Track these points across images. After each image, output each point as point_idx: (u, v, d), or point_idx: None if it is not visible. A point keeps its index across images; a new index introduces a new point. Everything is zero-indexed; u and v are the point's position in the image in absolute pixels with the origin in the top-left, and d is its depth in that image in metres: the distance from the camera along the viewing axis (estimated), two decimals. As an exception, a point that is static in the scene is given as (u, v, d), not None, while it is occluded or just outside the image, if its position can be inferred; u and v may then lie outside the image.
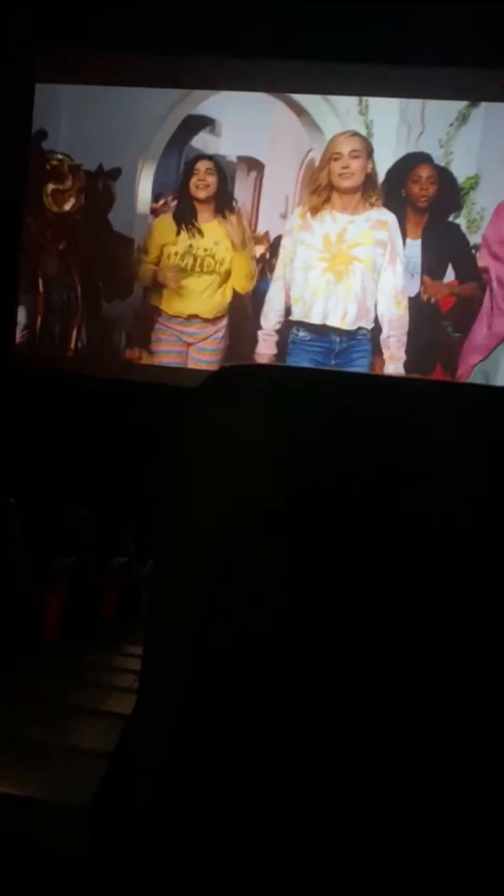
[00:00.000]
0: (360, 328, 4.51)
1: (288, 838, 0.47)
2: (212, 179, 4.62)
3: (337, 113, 4.49)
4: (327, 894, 0.46)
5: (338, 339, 4.51)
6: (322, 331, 4.53)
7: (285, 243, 4.55)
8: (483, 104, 4.30)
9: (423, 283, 4.45)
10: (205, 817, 0.49)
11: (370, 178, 4.45)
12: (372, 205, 4.46)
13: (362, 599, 0.46)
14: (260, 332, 4.61)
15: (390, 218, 4.45)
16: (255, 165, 4.68)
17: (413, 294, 4.47)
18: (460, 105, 4.33)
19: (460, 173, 4.38)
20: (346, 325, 4.49)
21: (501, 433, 0.47)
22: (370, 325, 4.49)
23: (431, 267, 4.44)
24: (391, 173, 4.46)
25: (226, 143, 4.69)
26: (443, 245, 4.45)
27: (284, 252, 4.55)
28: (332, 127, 4.50)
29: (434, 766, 0.46)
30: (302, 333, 4.55)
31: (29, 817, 1.37)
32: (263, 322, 4.61)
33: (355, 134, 4.45)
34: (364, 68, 4.34)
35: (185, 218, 4.65)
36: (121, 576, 3.29)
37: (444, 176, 4.39)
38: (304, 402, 0.50)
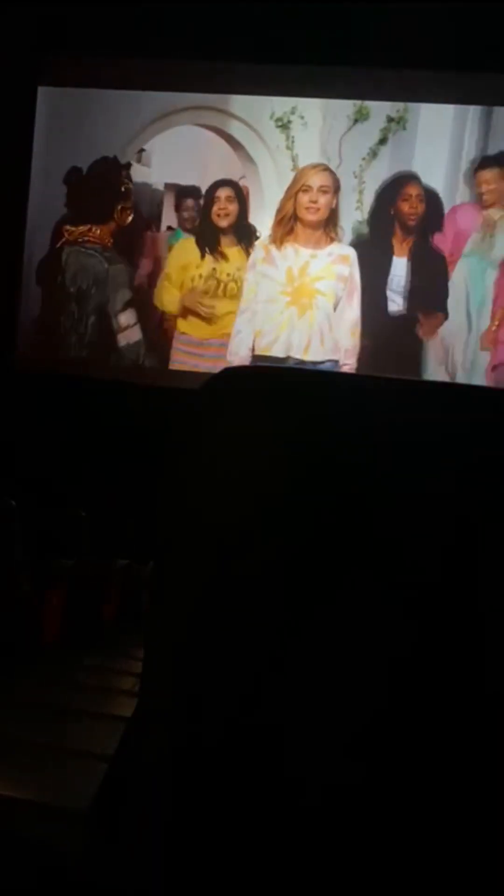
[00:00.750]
0: (328, 360, 4.56)
1: (288, 840, 0.47)
2: (232, 207, 4.62)
3: (268, 148, 4.57)
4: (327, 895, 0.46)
5: None
6: (285, 363, 4.56)
7: (249, 277, 4.59)
8: (391, 140, 4.43)
9: (418, 319, 4.48)
10: (205, 820, 0.49)
11: (334, 213, 4.49)
12: (332, 239, 4.51)
13: (362, 599, 0.46)
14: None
15: (351, 253, 4.51)
16: (190, 192, 4.73)
17: (397, 312, 4.51)
18: (371, 142, 4.44)
19: (369, 203, 4.55)
20: (310, 356, 4.55)
21: (496, 433, 0.47)
22: (337, 358, 4.56)
23: (417, 292, 4.47)
24: (380, 193, 4.48)
25: (157, 171, 4.73)
26: (426, 267, 4.50)
27: (248, 286, 4.58)
28: (263, 159, 4.58)
29: (434, 764, 0.45)
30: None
31: (29, 820, 1.37)
32: (231, 357, 4.63)
33: (326, 169, 4.49)
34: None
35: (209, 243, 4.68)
36: (121, 577, 3.29)
37: (430, 196, 4.44)
38: (304, 403, 0.50)
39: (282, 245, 4.52)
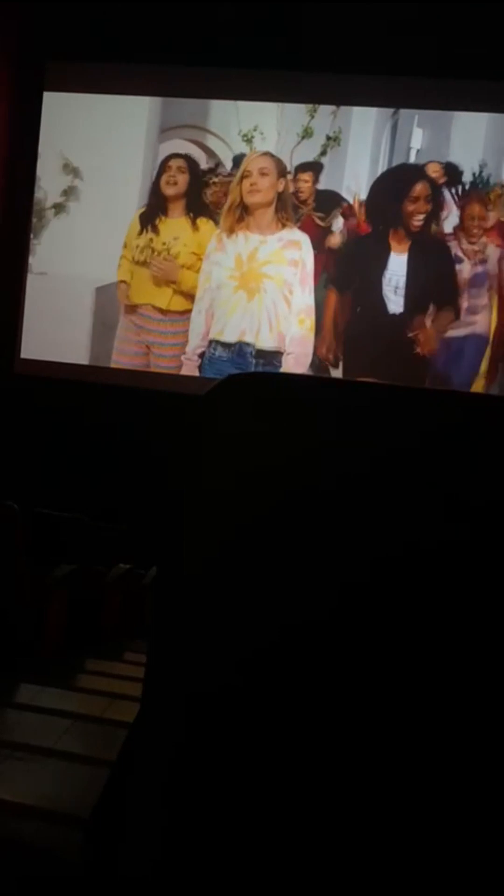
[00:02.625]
0: (277, 351, 4.57)
1: (289, 849, 0.47)
2: (182, 177, 4.67)
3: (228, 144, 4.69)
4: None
5: (253, 361, 4.58)
6: (239, 350, 4.58)
7: (204, 267, 4.66)
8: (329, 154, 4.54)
9: (414, 322, 4.39)
10: (207, 827, 0.48)
11: (281, 197, 4.55)
12: (284, 225, 4.56)
13: (369, 603, 0.46)
14: (183, 357, 4.70)
15: (302, 238, 4.54)
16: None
17: (397, 311, 4.47)
18: (314, 154, 4.59)
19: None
20: (261, 342, 4.57)
21: (491, 438, 0.47)
22: (283, 349, 4.56)
23: (416, 291, 4.41)
24: (377, 185, 4.48)
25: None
26: (427, 262, 4.46)
27: (204, 276, 4.66)
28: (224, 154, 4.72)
29: (442, 774, 0.45)
30: (218, 352, 4.61)
31: (30, 826, 1.36)
32: (187, 347, 4.69)
33: (266, 154, 4.61)
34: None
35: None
36: (123, 583, 3.28)
37: (435, 191, 4.42)
38: (307, 410, 0.50)
39: (231, 233, 4.60)
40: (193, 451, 0.50)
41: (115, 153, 4.79)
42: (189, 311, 4.70)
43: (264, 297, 4.61)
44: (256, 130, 4.64)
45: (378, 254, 4.52)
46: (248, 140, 4.65)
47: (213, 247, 4.68)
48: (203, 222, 4.71)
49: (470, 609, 0.44)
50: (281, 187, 4.58)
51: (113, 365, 4.79)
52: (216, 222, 4.68)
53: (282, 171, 4.58)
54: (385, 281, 4.50)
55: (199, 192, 4.70)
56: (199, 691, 0.48)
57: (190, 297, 4.72)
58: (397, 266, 4.50)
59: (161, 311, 4.73)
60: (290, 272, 4.59)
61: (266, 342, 4.61)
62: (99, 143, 4.80)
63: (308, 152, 4.60)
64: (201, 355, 4.68)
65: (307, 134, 4.58)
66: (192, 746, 0.48)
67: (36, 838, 1.32)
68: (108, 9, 4.49)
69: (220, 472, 0.49)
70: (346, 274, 4.56)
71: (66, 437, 4.58)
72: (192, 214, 4.69)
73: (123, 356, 4.78)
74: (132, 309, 4.76)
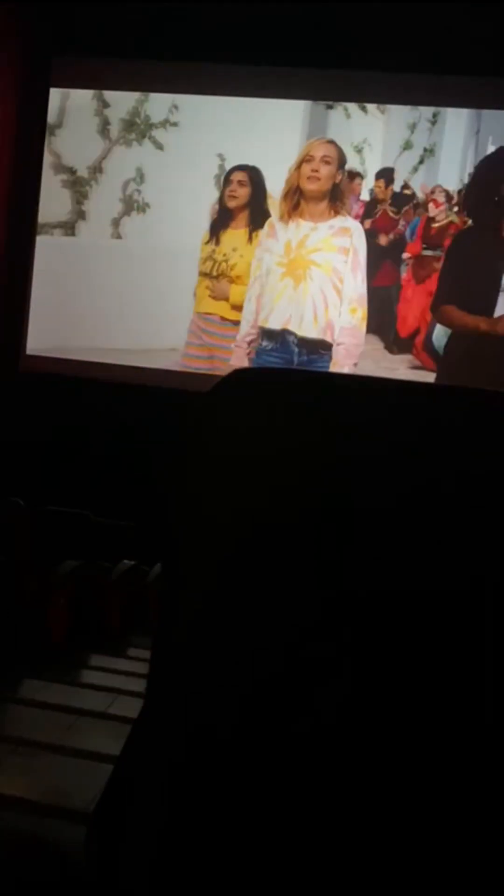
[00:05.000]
0: (321, 341, 4.45)
1: (292, 847, 0.47)
2: (242, 191, 4.66)
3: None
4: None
5: (297, 350, 4.49)
6: (282, 338, 4.51)
7: (256, 254, 4.62)
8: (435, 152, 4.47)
9: None
10: (210, 824, 0.48)
11: (337, 187, 4.47)
12: (337, 213, 4.46)
13: (375, 601, 0.45)
14: (233, 345, 4.64)
15: (353, 225, 4.45)
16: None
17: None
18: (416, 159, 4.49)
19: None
20: (304, 331, 4.47)
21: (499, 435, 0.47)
22: (331, 340, 4.46)
23: None
24: (478, 174, 4.35)
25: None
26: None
27: (255, 262, 4.62)
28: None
29: (443, 770, 0.45)
30: (264, 342, 4.56)
31: (33, 820, 1.37)
32: (237, 335, 4.64)
33: (330, 142, 4.51)
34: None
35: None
36: (127, 579, 3.29)
37: None
38: (314, 405, 0.50)
39: (286, 220, 4.50)
40: (200, 448, 0.50)
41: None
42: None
43: (310, 285, 4.50)
44: (365, 143, 4.61)
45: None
46: (359, 151, 4.64)
47: (265, 233, 4.61)
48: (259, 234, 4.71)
49: (486, 612, 0.44)
50: (339, 178, 4.49)
51: (180, 369, 4.75)
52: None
53: (342, 162, 4.50)
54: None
55: (261, 204, 4.66)
56: (202, 688, 0.48)
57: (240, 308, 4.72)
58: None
59: (222, 318, 4.73)
60: (339, 260, 4.47)
61: (309, 331, 4.50)
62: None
63: (408, 162, 4.56)
64: (251, 342, 4.61)
65: (407, 146, 4.55)
66: (195, 743, 0.48)
67: (39, 833, 1.33)
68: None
69: (227, 469, 0.49)
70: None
71: (71, 434, 4.58)
72: (251, 226, 4.68)
73: (188, 359, 4.77)
74: (197, 315, 4.76)
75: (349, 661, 0.45)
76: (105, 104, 4.84)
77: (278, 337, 4.53)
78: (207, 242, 4.73)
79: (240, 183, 4.70)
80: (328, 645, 0.45)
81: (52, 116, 4.85)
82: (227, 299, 4.70)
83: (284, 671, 0.46)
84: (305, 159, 4.49)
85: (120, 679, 2.31)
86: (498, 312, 4.36)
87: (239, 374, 0.53)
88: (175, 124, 4.78)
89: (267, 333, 4.55)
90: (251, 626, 0.46)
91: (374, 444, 0.47)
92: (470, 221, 4.42)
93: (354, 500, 0.46)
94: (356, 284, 4.46)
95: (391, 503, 0.46)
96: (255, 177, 4.68)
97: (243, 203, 4.69)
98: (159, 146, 4.81)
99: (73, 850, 1.18)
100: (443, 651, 0.44)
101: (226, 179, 4.71)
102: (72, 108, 4.86)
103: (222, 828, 0.47)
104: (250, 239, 4.67)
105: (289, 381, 0.53)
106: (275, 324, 4.53)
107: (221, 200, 4.73)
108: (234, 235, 4.72)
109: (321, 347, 4.49)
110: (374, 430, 0.48)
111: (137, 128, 4.82)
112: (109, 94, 4.83)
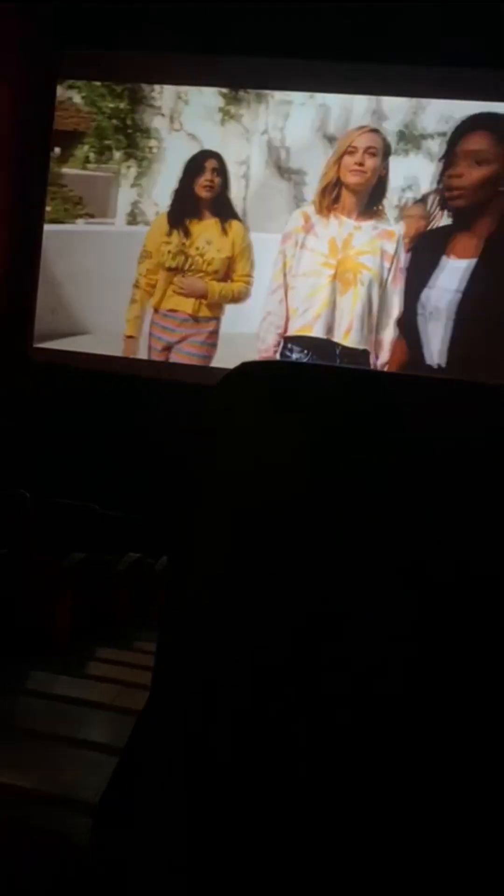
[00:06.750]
0: (365, 351, 3.96)
1: (303, 839, 0.47)
2: (218, 180, 4.29)
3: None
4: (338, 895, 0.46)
5: (340, 363, 4.01)
6: (322, 349, 3.99)
7: (284, 248, 4.11)
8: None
9: None
10: (216, 816, 0.48)
11: (381, 181, 4.08)
12: (377, 212, 4.08)
13: (383, 595, 0.45)
14: (259, 353, 4.12)
15: (396, 229, 4.05)
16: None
17: None
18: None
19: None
20: (350, 341, 4.00)
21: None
22: (375, 353, 4.01)
23: None
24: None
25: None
26: None
27: (283, 258, 4.11)
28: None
29: (458, 758, 0.45)
30: (296, 354, 4.03)
31: (39, 811, 1.37)
32: (260, 344, 4.12)
33: (375, 131, 4.11)
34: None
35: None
36: (133, 571, 3.29)
37: None
38: (325, 398, 0.49)
39: (328, 214, 4.06)
40: (208, 440, 0.50)
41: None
42: (218, 317, 4.26)
43: (360, 291, 3.99)
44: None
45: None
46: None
47: (297, 225, 4.10)
48: (232, 225, 4.28)
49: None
50: (384, 171, 4.07)
51: (189, 362, 4.42)
52: (245, 224, 4.22)
53: (387, 152, 4.07)
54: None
55: (226, 193, 4.30)
56: (208, 680, 0.48)
57: (219, 307, 4.27)
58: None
59: (193, 316, 4.34)
60: (384, 266, 4.03)
61: (357, 342, 4.01)
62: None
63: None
64: (276, 351, 4.09)
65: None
66: (202, 735, 0.48)
67: (45, 823, 1.33)
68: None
69: (235, 462, 0.49)
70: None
71: (79, 426, 4.59)
72: (221, 217, 4.28)
73: (152, 353, 4.50)
74: (158, 311, 4.41)
75: (368, 654, 0.45)
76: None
77: (321, 347, 4.00)
78: (170, 234, 4.31)
79: (214, 171, 4.31)
80: (337, 633, 0.45)
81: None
82: (203, 297, 4.28)
83: (297, 661, 0.46)
84: (348, 151, 4.08)
85: (126, 671, 2.32)
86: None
87: (249, 366, 0.53)
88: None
89: (304, 342, 4.04)
90: (260, 613, 0.46)
91: (395, 441, 0.47)
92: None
93: (374, 495, 0.46)
94: (399, 295, 4.05)
95: (413, 499, 0.46)
96: (222, 164, 4.32)
97: (218, 194, 4.30)
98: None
99: (79, 840, 1.19)
100: (464, 641, 0.44)
101: (198, 166, 4.32)
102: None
103: (229, 818, 0.47)
104: (224, 231, 4.27)
105: (304, 375, 0.53)
106: (318, 331, 4.04)
107: (189, 188, 4.31)
108: (206, 227, 4.31)
109: (365, 361, 4.03)
110: (396, 425, 0.47)
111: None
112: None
